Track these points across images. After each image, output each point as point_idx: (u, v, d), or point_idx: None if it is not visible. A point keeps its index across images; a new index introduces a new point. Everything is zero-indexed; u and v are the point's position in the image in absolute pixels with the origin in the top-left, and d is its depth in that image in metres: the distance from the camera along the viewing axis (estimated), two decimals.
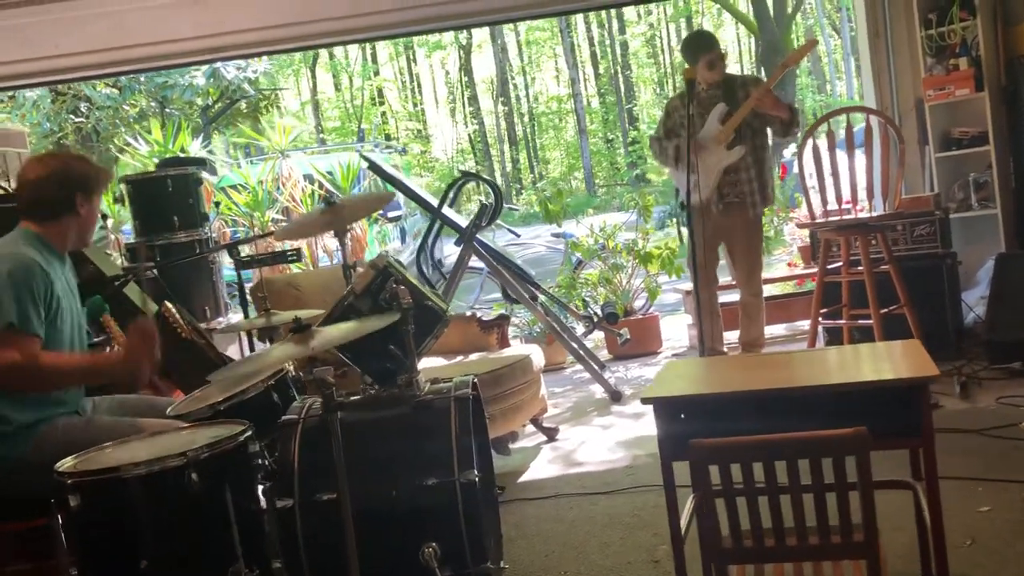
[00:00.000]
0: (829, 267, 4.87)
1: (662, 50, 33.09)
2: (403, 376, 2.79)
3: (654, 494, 3.58)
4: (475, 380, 2.88)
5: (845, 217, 4.71)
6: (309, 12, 5.49)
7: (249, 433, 2.46)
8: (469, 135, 32.83)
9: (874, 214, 4.92)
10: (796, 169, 7.62)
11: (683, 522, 2.40)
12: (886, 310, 4.56)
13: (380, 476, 2.59)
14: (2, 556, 3.06)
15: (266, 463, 2.95)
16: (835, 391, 2.14)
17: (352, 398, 2.80)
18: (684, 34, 33.51)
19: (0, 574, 3.13)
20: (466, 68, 31.97)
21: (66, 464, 2.35)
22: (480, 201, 5.04)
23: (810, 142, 4.80)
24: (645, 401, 2.32)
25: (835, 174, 4.79)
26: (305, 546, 2.54)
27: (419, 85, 34.88)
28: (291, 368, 3.18)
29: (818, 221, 4.85)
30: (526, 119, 33.11)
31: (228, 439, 2.37)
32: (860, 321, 4.66)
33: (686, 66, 5.16)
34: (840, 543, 1.82)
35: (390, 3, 5.58)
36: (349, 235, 6.79)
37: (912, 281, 4.73)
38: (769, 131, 5.10)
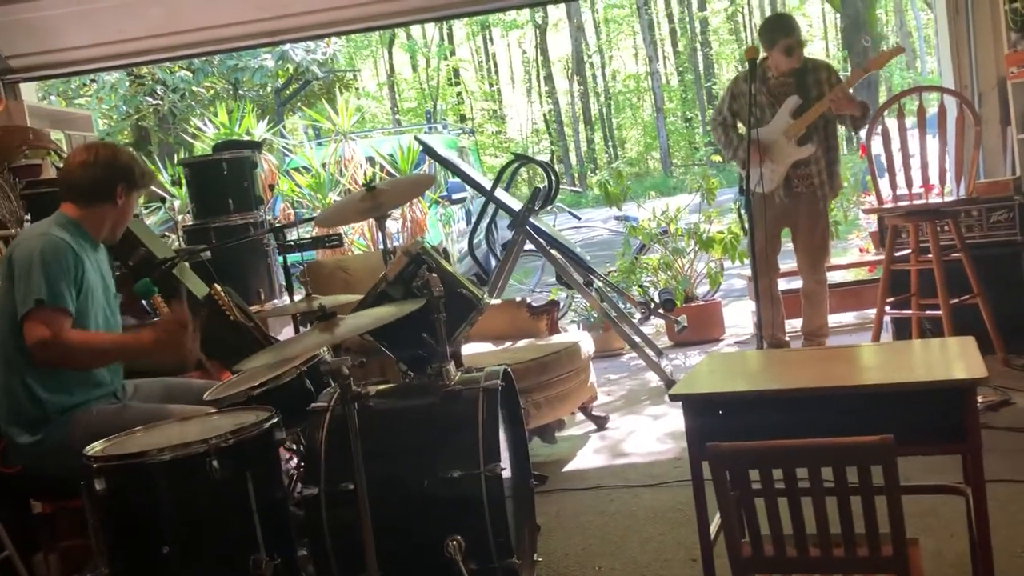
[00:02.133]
0: (898, 254, 4.67)
1: (744, 26, 32.25)
2: (433, 365, 2.75)
3: None
4: (508, 369, 2.82)
5: (915, 202, 4.49)
6: None
7: (275, 420, 2.45)
8: (544, 115, 32.62)
9: (947, 199, 4.69)
10: (875, 150, 7.32)
11: (713, 526, 2.31)
12: (957, 300, 4.35)
13: (404, 466, 2.55)
14: (62, 531, 3.17)
15: (300, 448, 2.96)
16: (873, 392, 2.02)
17: (380, 387, 2.77)
18: (766, 9, 32.79)
19: (56, 548, 3.23)
20: (542, 47, 31.73)
21: (95, 448, 2.38)
22: (539, 186, 4.94)
23: (880, 123, 4.60)
24: (674, 398, 2.23)
25: (906, 156, 4.57)
26: (330, 534, 2.53)
27: (495, 65, 34.78)
28: (326, 354, 3.17)
29: (885, 206, 4.65)
30: (602, 98, 32.72)
31: (251, 426, 2.36)
32: (929, 312, 4.46)
33: (749, 45, 4.96)
34: (868, 556, 1.70)
35: None
36: (409, 217, 6.82)
37: (988, 270, 4.51)
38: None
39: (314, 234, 5.86)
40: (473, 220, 10.83)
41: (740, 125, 4.99)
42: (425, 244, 2.97)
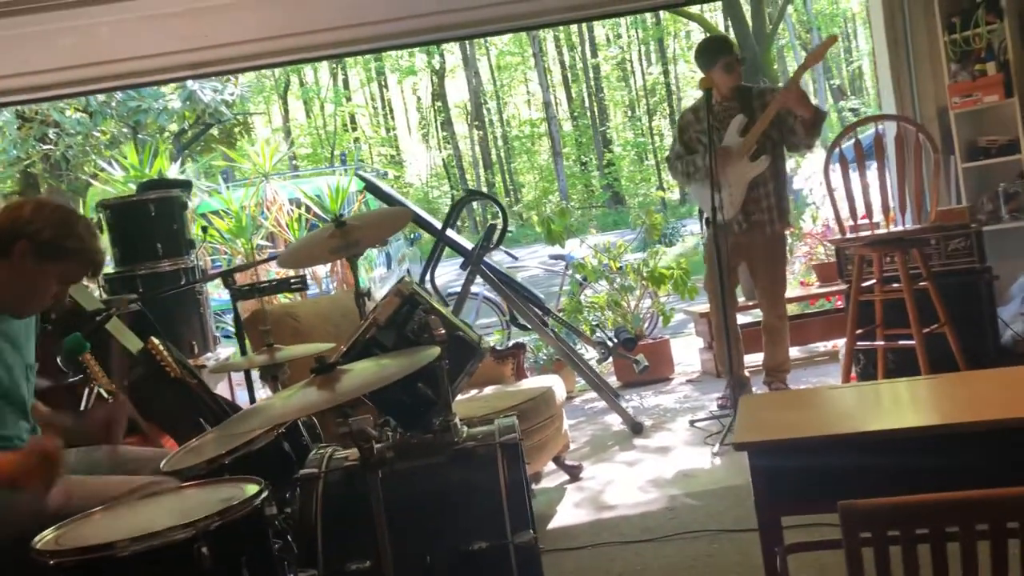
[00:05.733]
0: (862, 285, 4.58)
1: (632, 72, 33.18)
2: (439, 420, 2.42)
3: (705, 540, 3.24)
4: (516, 420, 2.52)
5: (877, 232, 4.42)
6: (298, 24, 5.14)
7: (264, 494, 2.07)
8: (443, 160, 32.54)
9: (908, 227, 4.65)
10: (796, 184, 7.34)
11: None
12: (927, 330, 4.27)
13: (417, 540, 2.21)
14: None
15: (277, 522, 2.57)
16: (979, 430, 1.81)
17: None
18: (653, 58, 33.76)
19: None
20: (439, 93, 31.74)
21: (45, 538, 1.95)
22: (494, 223, 4.69)
23: (836, 152, 4.55)
24: (740, 447, 1.97)
25: (865, 186, 4.52)
26: None
27: (391, 111, 34.58)
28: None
29: (849, 237, 4.56)
30: (500, 143, 32.90)
31: (242, 504, 1.98)
32: (900, 342, 4.37)
33: (701, 76, 4.90)
34: None
35: (382, 14, 5.25)
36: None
37: (947, 298, 4.45)
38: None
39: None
40: (394, 263, 10.48)
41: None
42: (415, 284, 2.66)
